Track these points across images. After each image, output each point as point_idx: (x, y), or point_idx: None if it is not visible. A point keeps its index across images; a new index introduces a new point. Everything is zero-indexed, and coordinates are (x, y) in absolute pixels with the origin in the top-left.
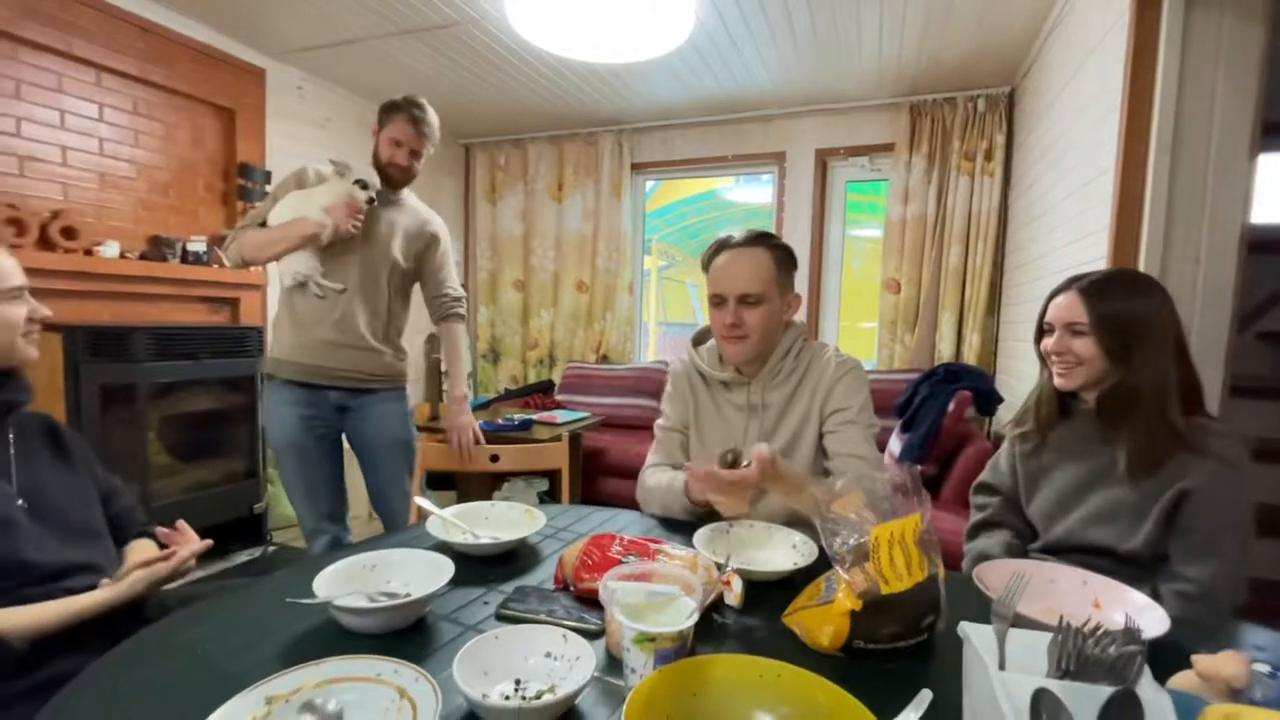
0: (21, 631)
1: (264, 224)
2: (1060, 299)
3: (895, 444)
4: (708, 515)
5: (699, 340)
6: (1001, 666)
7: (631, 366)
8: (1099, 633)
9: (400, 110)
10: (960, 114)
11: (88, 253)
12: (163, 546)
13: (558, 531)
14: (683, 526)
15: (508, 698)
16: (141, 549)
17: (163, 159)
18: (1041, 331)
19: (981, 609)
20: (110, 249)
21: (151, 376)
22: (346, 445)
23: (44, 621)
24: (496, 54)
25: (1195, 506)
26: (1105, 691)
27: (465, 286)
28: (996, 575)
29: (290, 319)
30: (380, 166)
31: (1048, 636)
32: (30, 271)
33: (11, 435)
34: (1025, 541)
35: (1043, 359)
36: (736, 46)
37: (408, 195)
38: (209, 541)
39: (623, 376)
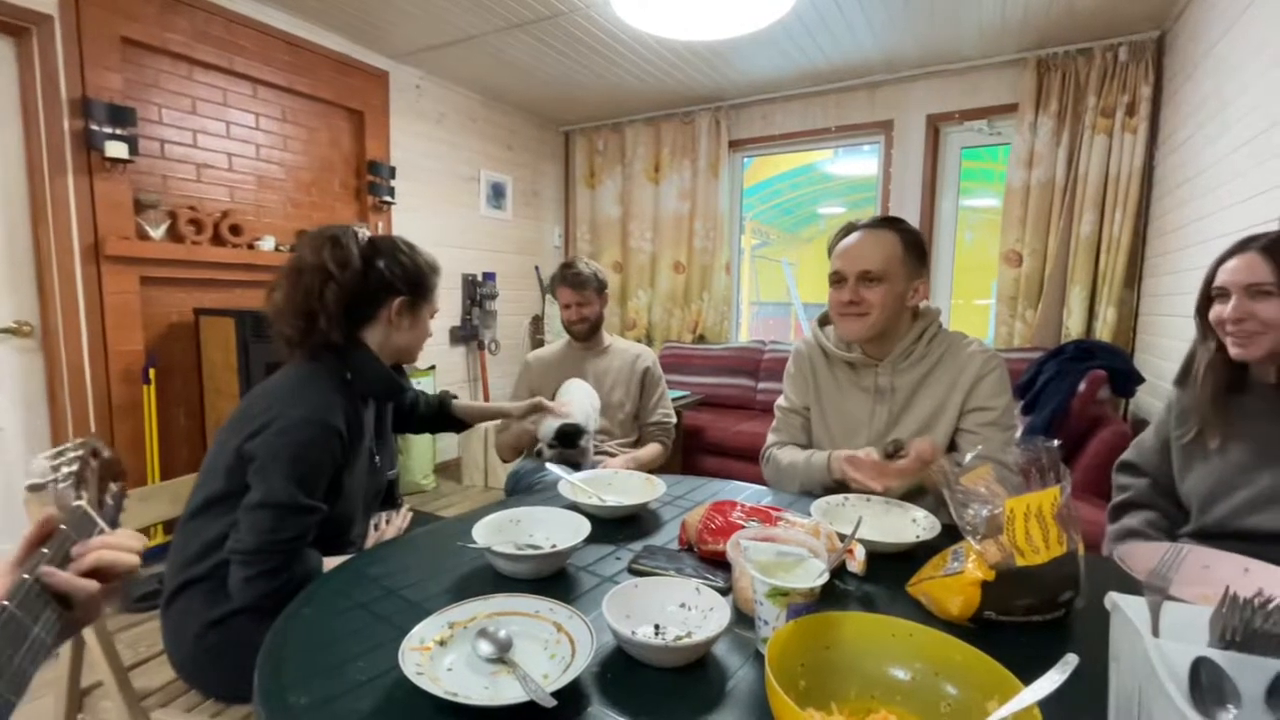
0: None
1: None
2: (1234, 262)
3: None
4: (839, 489)
5: (826, 320)
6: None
7: (728, 346)
8: (1272, 605)
9: (556, 278)
10: (1097, 66)
11: (250, 247)
12: None
13: (675, 499)
14: (798, 498)
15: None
16: None
17: (306, 160)
18: (1208, 300)
19: (1125, 592)
20: (267, 243)
21: None
22: None
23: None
24: (599, 40)
25: None
26: (1276, 665)
27: None
28: (1141, 557)
29: None
30: (568, 329)
31: (1207, 612)
32: (207, 265)
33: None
34: (1175, 525)
35: (1207, 331)
36: (842, 11)
37: (609, 339)
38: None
39: (720, 356)
